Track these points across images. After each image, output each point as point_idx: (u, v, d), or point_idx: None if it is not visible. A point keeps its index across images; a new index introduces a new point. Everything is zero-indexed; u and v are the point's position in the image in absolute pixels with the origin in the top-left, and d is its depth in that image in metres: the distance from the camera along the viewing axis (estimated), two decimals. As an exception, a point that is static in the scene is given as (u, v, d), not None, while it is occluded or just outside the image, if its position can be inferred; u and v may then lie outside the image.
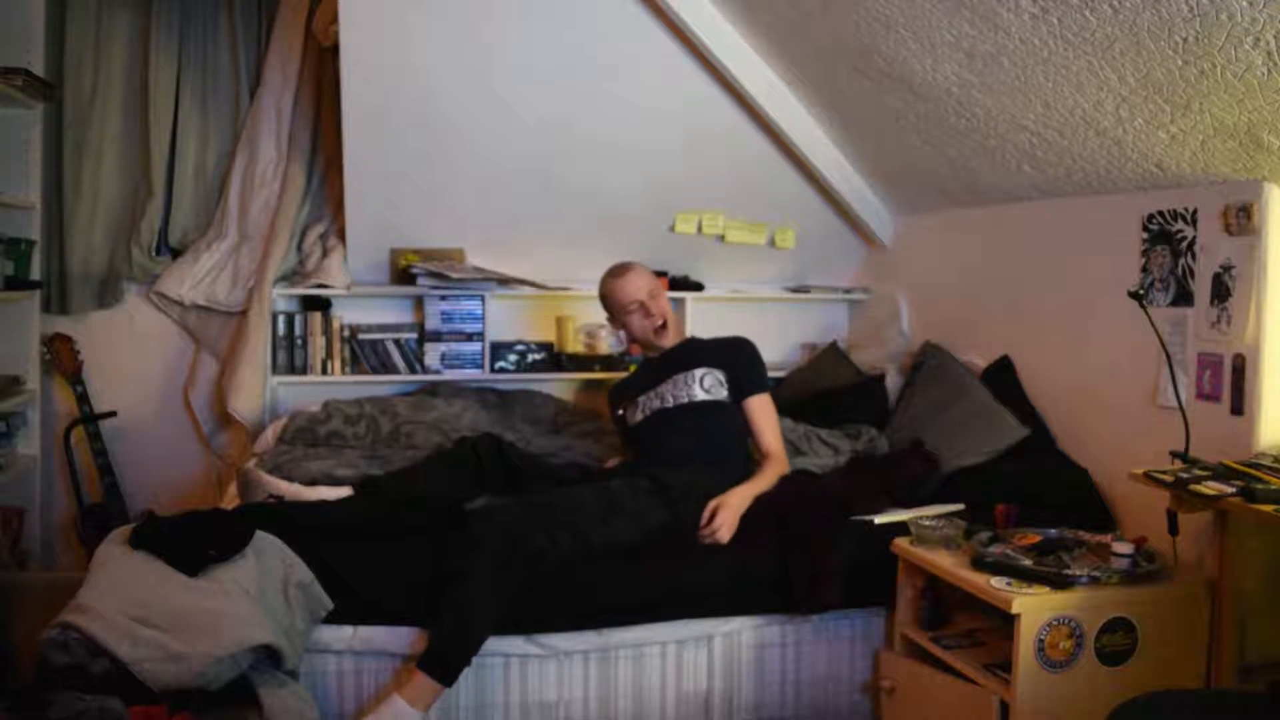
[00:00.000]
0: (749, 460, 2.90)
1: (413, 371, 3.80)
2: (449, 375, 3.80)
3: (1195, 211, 2.46)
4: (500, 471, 2.68)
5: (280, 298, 3.75)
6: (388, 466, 2.93)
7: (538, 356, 3.92)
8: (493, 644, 2.42)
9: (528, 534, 2.35)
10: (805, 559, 2.51)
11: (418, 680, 2.23)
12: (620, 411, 3.08)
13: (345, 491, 2.71)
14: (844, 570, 2.52)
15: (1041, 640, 2.10)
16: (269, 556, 2.24)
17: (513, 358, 3.90)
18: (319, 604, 2.29)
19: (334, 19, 3.18)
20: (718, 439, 2.85)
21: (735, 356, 2.97)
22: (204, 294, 3.74)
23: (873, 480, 2.91)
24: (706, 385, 2.89)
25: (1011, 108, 2.65)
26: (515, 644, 2.44)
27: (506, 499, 2.57)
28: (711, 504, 2.60)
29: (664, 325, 2.98)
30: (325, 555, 2.34)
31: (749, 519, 2.62)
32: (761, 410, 2.92)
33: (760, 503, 2.68)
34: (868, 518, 2.67)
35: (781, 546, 2.55)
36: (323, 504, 2.61)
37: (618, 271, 3.01)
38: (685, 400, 2.87)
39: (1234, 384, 2.35)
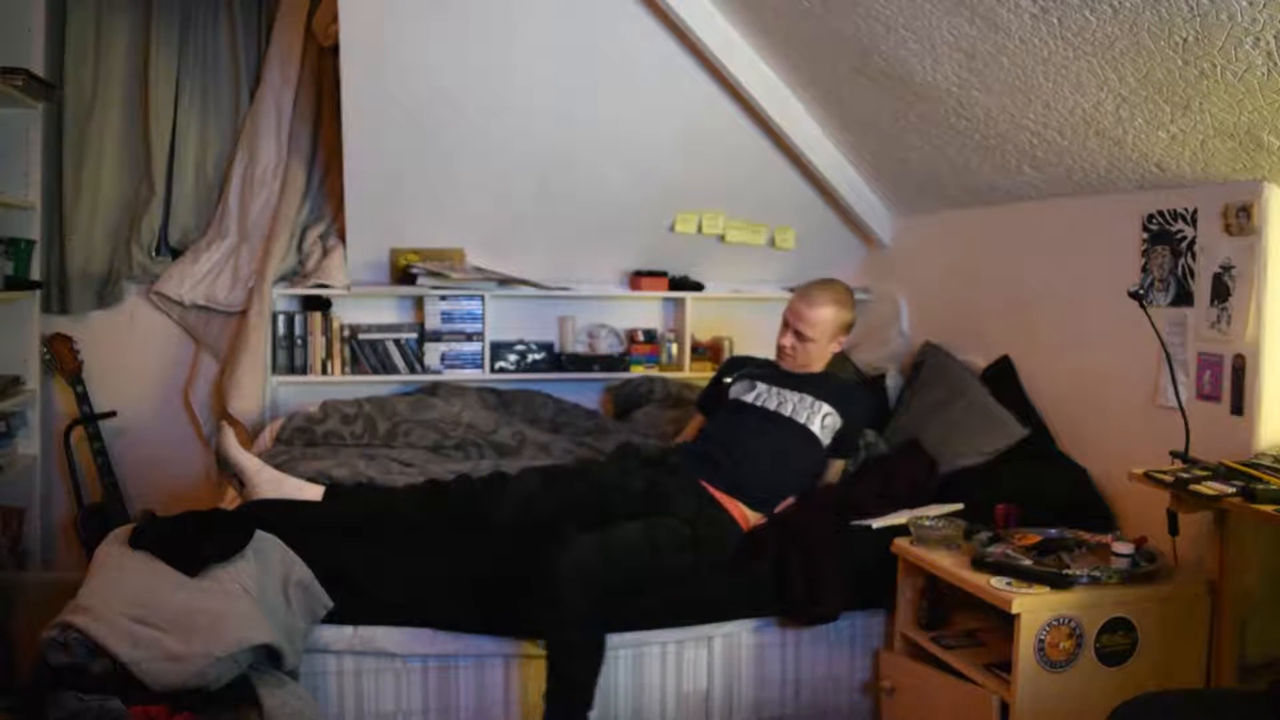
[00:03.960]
0: (795, 491, 2.84)
1: (413, 371, 3.80)
2: (449, 375, 3.80)
3: (1195, 211, 2.46)
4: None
5: (280, 298, 3.75)
6: (385, 466, 2.93)
7: (538, 356, 3.92)
8: (493, 644, 2.43)
9: (602, 580, 2.30)
10: (804, 572, 2.51)
11: None
12: (727, 380, 3.02)
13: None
14: (844, 578, 2.52)
15: (1041, 640, 2.10)
16: (269, 556, 2.24)
17: (513, 358, 3.90)
18: (319, 603, 2.29)
19: (334, 19, 3.18)
20: (794, 468, 2.80)
21: (850, 418, 2.89)
22: (204, 294, 3.74)
23: (876, 485, 2.90)
24: (825, 423, 2.83)
25: (1011, 108, 2.65)
26: (516, 644, 2.44)
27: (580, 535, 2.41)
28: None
29: (795, 356, 2.91)
30: (327, 554, 2.34)
31: (758, 535, 2.62)
32: (839, 469, 2.96)
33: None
34: (866, 522, 2.67)
35: (781, 559, 2.54)
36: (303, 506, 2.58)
37: (808, 291, 2.92)
38: (799, 420, 2.81)
39: (1234, 384, 2.35)
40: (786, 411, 2.83)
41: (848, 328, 2.95)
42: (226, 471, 2.58)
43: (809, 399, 2.84)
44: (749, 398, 2.90)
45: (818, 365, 2.95)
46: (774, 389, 2.89)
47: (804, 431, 2.81)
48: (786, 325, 2.92)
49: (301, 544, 2.32)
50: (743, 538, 2.60)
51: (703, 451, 2.77)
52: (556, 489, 2.53)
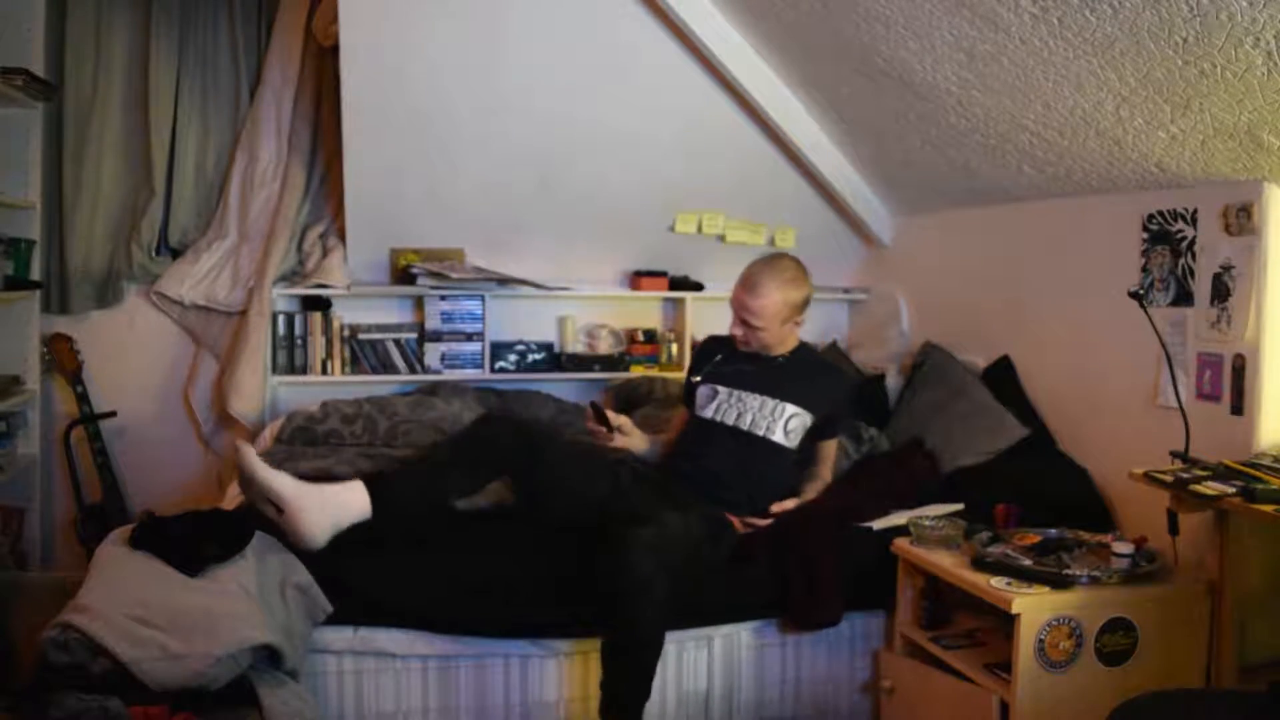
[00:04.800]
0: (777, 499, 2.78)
1: (413, 371, 3.80)
2: (449, 375, 3.80)
3: (1195, 211, 2.46)
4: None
5: (280, 298, 3.75)
6: (385, 466, 2.93)
7: (538, 356, 3.92)
8: (493, 644, 2.43)
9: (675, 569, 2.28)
10: (803, 579, 2.50)
11: None
12: (696, 379, 2.86)
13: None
14: (844, 582, 2.52)
15: (1041, 640, 2.10)
16: (269, 557, 2.24)
17: (513, 358, 3.90)
18: (318, 607, 2.28)
19: (334, 19, 3.17)
20: (762, 480, 2.70)
21: (829, 404, 2.77)
22: (204, 294, 3.74)
23: (877, 486, 2.90)
24: (790, 427, 2.70)
25: (1011, 108, 2.65)
26: (516, 644, 2.44)
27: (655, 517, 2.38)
28: (776, 507, 2.67)
29: (751, 344, 2.74)
30: (327, 558, 2.34)
31: (749, 535, 2.61)
32: (831, 448, 2.88)
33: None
34: (867, 524, 2.67)
35: (780, 564, 2.53)
36: None
37: (749, 278, 2.69)
38: (761, 433, 2.69)
39: (1234, 384, 2.35)
40: (746, 424, 2.70)
41: (802, 306, 2.72)
42: (257, 496, 2.30)
43: (770, 402, 2.70)
44: (709, 411, 2.75)
45: (782, 346, 2.77)
46: (735, 395, 2.74)
47: (765, 444, 2.69)
48: (736, 317, 2.72)
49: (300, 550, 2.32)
50: (740, 540, 2.60)
51: (674, 468, 2.72)
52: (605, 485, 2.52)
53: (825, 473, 2.87)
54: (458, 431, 2.52)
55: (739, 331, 2.72)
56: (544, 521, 2.48)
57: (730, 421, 2.72)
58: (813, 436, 2.79)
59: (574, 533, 2.42)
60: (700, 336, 4.04)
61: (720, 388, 2.78)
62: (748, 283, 2.68)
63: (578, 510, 2.46)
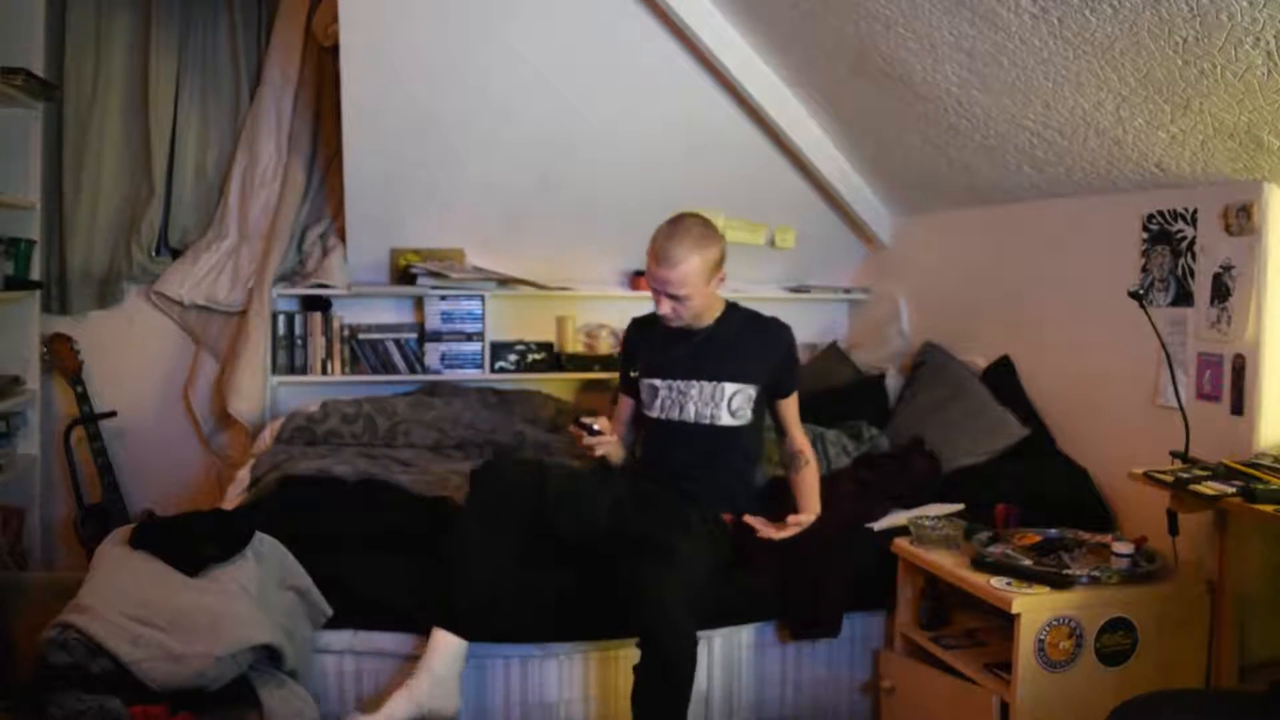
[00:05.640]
0: (753, 474, 2.81)
1: (413, 371, 3.79)
2: (449, 375, 3.80)
3: (1195, 211, 2.46)
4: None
5: (280, 298, 3.75)
6: (385, 466, 2.93)
7: (538, 356, 3.92)
8: (493, 645, 2.42)
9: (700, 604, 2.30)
10: (805, 594, 2.50)
11: None
12: (634, 374, 2.75)
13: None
14: (845, 590, 2.52)
15: (1041, 640, 2.10)
16: (269, 557, 2.24)
17: (513, 358, 3.90)
18: (318, 611, 2.29)
19: (334, 19, 3.18)
20: (728, 466, 2.66)
21: (772, 366, 2.66)
22: (204, 294, 3.74)
23: (879, 486, 2.90)
24: (734, 407, 2.61)
25: (1011, 108, 2.65)
26: (516, 644, 2.44)
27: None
28: (793, 519, 2.57)
29: (681, 317, 2.59)
30: (326, 561, 2.35)
31: (749, 541, 2.58)
32: (793, 407, 2.74)
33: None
34: (866, 525, 2.66)
35: (781, 569, 2.53)
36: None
37: (659, 251, 2.50)
38: (708, 421, 2.61)
39: (1234, 384, 2.35)
40: (691, 416, 2.62)
41: (720, 261, 2.56)
42: None
43: (708, 386, 2.60)
44: (656, 410, 2.67)
45: (709, 313, 2.64)
46: (674, 387, 2.63)
47: (714, 430, 2.61)
48: (656, 294, 2.55)
49: (301, 550, 2.32)
50: (744, 546, 2.59)
51: (649, 476, 2.67)
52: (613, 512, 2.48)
53: (799, 440, 2.72)
54: (466, 500, 2.45)
55: (666, 309, 2.54)
56: (555, 540, 2.46)
57: (677, 417, 2.64)
58: (768, 401, 2.70)
59: (579, 548, 2.43)
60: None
61: (658, 382, 2.67)
62: (659, 256, 2.50)
63: (585, 530, 2.45)
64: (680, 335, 2.64)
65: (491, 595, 2.32)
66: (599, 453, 2.60)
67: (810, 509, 2.64)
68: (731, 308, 2.71)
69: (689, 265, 2.48)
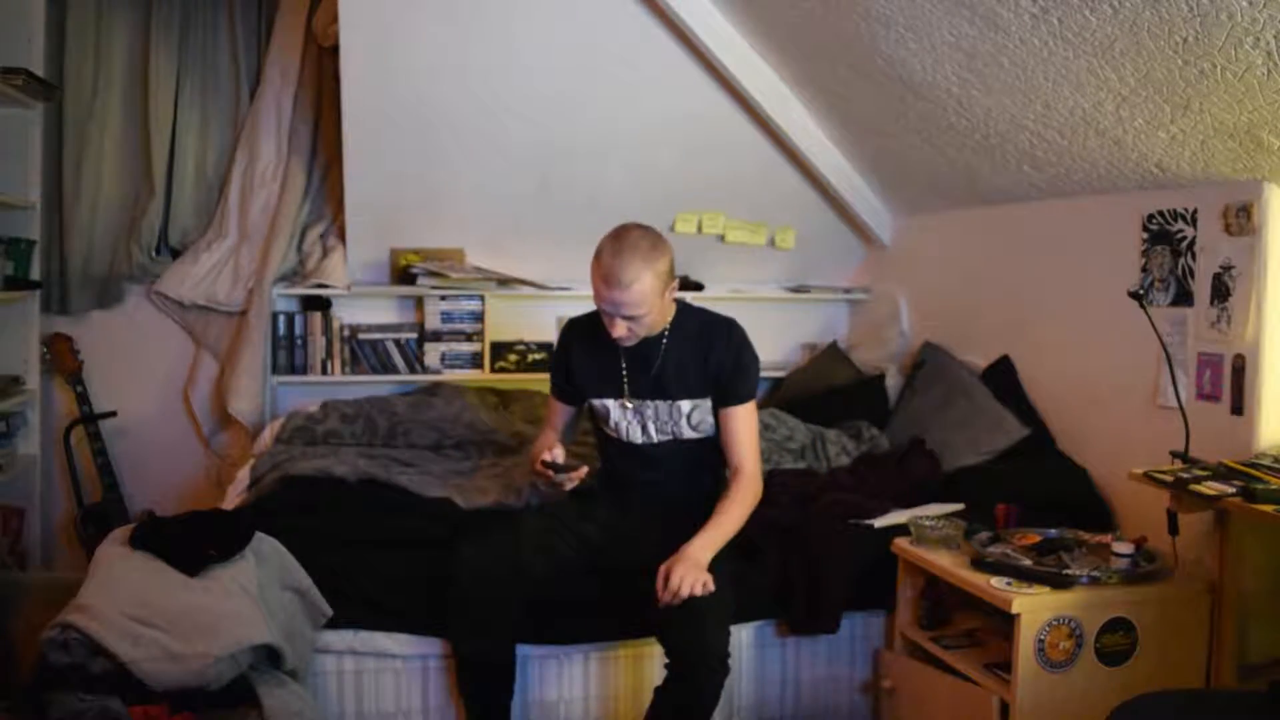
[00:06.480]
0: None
1: (413, 371, 3.80)
2: (449, 375, 3.80)
3: (1195, 211, 2.46)
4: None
5: (280, 298, 3.75)
6: (385, 466, 2.93)
7: (538, 356, 3.92)
8: (493, 644, 2.43)
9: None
10: (806, 589, 2.49)
11: None
12: (571, 386, 2.53)
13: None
14: (845, 586, 2.51)
15: (1041, 640, 2.10)
16: (269, 557, 2.24)
17: (513, 358, 3.90)
18: (318, 610, 2.29)
19: (334, 19, 3.18)
20: (701, 476, 2.50)
21: (715, 373, 2.38)
22: (204, 294, 3.74)
23: (881, 484, 2.90)
24: (694, 422, 2.40)
25: (1011, 108, 2.65)
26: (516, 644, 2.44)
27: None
28: (663, 567, 2.14)
29: (638, 335, 2.35)
30: (326, 561, 2.35)
31: (750, 533, 2.55)
32: (740, 419, 2.38)
33: (761, 516, 2.43)
34: (867, 522, 2.66)
35: (782, 564, 2.53)
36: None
37: (609, 273, 2.23)
38: (670, 437, 2.42)
39: (1234, 384, 2.35)
40: (655, 436, 2.42)
41: (672, 270, 2.31)
42: None
43: (665, 406, 2.40)
44: (614, 430, 2.47)
45: (662, 323, 2.38)
46: (630, 411, 2.42)
47: (678, 446, 2.43)
48: (609, 315, 2.29)
49: (301, 550, 2.32)
50: (742, 540, 2.58)
51: (631, 502, 2.52)
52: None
53: (744, 459, 2.37)
54: (450, 602, 2.32)
55: (621, 331, 2.29)
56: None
57: (639, 440, 2.44)
58: (718, 404, 2.40)
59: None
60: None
61: (611, 403, 2.44)
62: (608, 277, 2.22)
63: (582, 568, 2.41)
64: (630, 353, 2.41)
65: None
66: (569, 488, 2.39)
67: (698, 544, 2.20)
68: (682, 311, 2.45)
69: (642, 284, 2.21)
